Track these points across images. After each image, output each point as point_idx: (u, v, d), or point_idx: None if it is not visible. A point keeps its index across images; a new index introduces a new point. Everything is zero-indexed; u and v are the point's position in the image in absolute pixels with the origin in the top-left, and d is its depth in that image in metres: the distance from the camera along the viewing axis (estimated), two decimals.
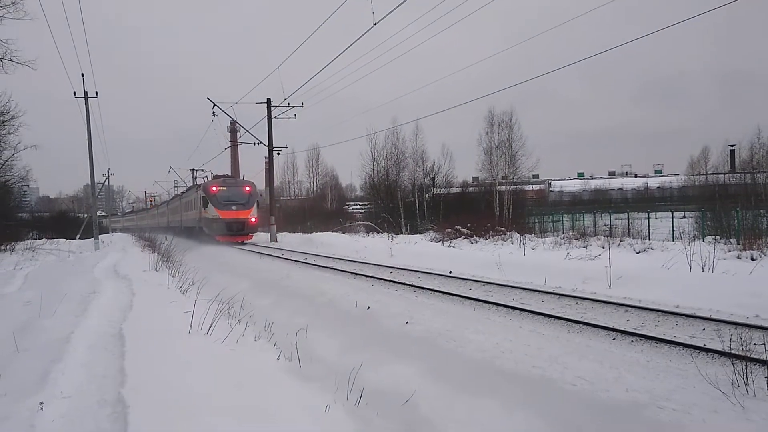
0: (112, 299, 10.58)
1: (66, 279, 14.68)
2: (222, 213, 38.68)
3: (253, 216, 40.21)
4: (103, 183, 70.01)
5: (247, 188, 41.34)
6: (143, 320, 8.40)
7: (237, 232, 39.05)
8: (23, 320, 8.79)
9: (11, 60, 26.68)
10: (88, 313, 8.80)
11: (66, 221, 70.51)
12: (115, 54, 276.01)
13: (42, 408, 4.42)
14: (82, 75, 41.56)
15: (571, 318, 9.63)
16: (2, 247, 31.44)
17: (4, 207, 49.46)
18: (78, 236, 54.04)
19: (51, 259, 26.42)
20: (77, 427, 4.31)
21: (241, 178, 48.69)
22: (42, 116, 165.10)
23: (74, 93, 34.31)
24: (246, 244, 38.02)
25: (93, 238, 37.04)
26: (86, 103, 34.18)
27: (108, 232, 72.32)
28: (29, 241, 40.85)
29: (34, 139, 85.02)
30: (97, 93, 35.07)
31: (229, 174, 48.44)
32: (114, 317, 8.66)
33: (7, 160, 44.07)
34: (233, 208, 39.05)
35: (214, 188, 40.23)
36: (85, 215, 67.88)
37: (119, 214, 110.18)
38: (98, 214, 43.42)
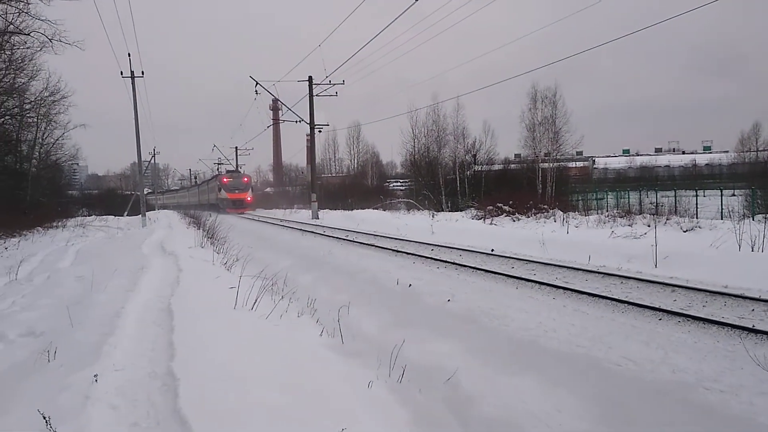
0: (160, 275, 10.86)
1: (115, 255, 15.09)
2: (229, 195, 62.21)
3: (249, 197, 64.34)
4: (149, 161, 71.38)
5: (246, 179, 66.07)
6: (190, 295, 8.60)
7: (238, 207, 61.52)
8: (76, 295, 9.10)
9: (60, 41, 27.32)
10: (137, 288, 9.05)
11: (114, 198, 72.44)
12: (160, 32, 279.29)
13: (96, 380, 4.58)
14: (129, 55, 42.36)
15: (616, 297, 9.49)
16: (54, 224, 32.42)
17: (56, 185, 51.01)
18: (126, 213, 55.39)
19: (100, 236, 27.14)
20: (130, 398, 4.46)
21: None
22: (90, 95, 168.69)
23: (121, 73, 34.96)
24: (246, 214, 56.72)
25: (140, 215, 37.89)
26: (133, 83, 34.77)
27: (154, 210, 74.11)
28: (79, 218, 42.02)
29: (82, 118, 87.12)
30: (143, 72, 35.67)
31: (236, 171, 70.72)
32: (162, 292, 8.89)
33: (57, 139, 45.48)
34: (236, 191, 62.70)
35: (225, 179, 64.15)
36: (133, 193, 69.58)
37: (159, 191, 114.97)
38: (145, 191, 44.39)
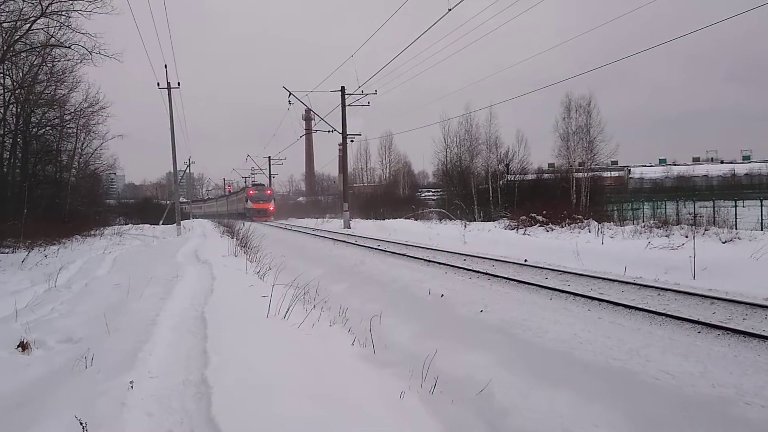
0: (194, 283, 10.99)
1: (151, 263, 15.32)
2: (254, 205, 71.86)
3: (271, 207, 73.80)
4: (185, 171, 72.60)
5: (269, 191, 76.67)
6: (223, 304, 8.68)
7: (262, 215, 70.31)
8: (113, 302, 9.24)
9: (100, 53, 27.90)
10: (172, 297, 9.17)
11: (150, 207, 73.86)
12: (195, 41, 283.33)
13: (132, 387, 4.64)
14: (165, 66, 43.19)
15: (653, 309, 9.30)
16: (92, 232, 33.08)
17: (94, 194, 52.08)
18: (161, 222, 56.27)
19: (137, 244, 27.60)
20: (164, 405, 4.51)
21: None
22: (127, 106, 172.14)
23: (158, 84, 35.62)
24: (268, 222, 64.42)
25: (175, 224, 38.44)
26: (169, 94, 35.41)
27: (189, 218, 75.48)
28: (116, 227, 42.83)
29: (120, 129, 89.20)
30: (179, 83, 36.32)
31: (260, 184, 79.42)
32: (196, 300, 8.99)
33: (96, 149, 46.39)
34: (260, 202, 72.48)
35: (251, 192, 74.30)
36: (168, 202, 70.82)
37: (194, 200, 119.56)
38: (180, 200, 45.13)
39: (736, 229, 21.55)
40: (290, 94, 40.40)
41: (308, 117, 79.75)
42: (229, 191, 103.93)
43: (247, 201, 73.30)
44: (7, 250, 21.06)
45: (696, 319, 8.60)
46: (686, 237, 18.10)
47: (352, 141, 44.60)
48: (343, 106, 41.60)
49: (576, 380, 6.21)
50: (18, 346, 6.66)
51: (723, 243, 17.40)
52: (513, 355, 7.23)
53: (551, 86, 46.12)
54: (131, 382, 4.71)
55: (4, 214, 26.47)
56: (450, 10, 20.61)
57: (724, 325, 8.22)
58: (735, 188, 71.17)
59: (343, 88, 41.36)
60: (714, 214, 25.66)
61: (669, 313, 9.06)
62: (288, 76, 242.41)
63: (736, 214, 25.53)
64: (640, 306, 9.61)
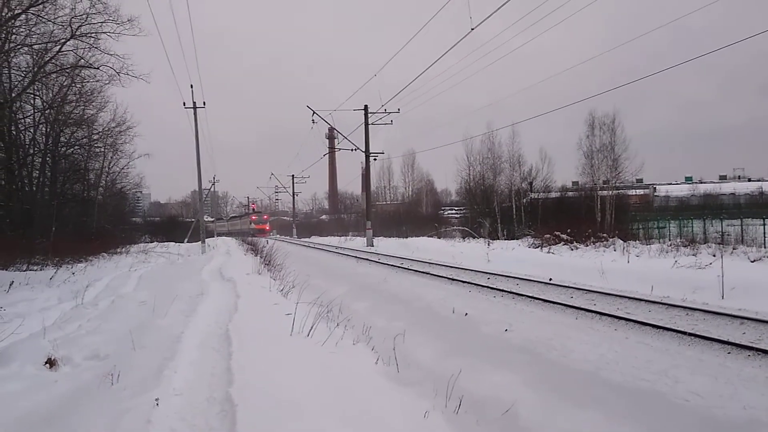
0: (219, 301, 11.04)
1: (176, 281, 15.44)
2: (256, 226, 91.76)
3: (267, 227, 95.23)
4: (209, 189, 73.43)
5: (266, 216, 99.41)
6: (247, 321, 8.70)
7: (261, 233, 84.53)
8: (139, 319, 9.32)
9: (127, 74, 28.49)
10: (196, 314, 9.22)
11: (175, 225, 74.68)
12: (220, 60, 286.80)
13: (157, 404, 4.66)
14: (191, 86, 44.26)
15: (682, 329, 9.14)
16: (118, 250, 33.53)
17: (120, 212, 52.88)
18: (186, 240, 56.83)
19: (162, 262, 27.89)
20: (189, 423, 4.53)
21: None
22: (153, 125, 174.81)
23: (184, 104, 36.18)
24: (271, 237, 76.04)
25: (200, 242, 38.76)
26: (195, 114, 35.92)
27: (213, 236, 76.46)
28: (142, 244, 43.40)
29: (146, 148, 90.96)
30: (204, 103, 36.84)
31: (259, 212, 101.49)
32: (220, 318, 9.03)
33: (123, 168, 47.27)
34: (260, 224, 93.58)
35: (253, 217, 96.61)
36: (193, 220, 71.63)
37: (219, 218, 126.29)
38: (205, 219, 45.59)
39: (765, 247, 21.18)
40: (314, 113, 40.83)
41: (331, 135, 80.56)
42: (254, 209, 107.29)
43: (251, 223, 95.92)
44: (35, 268, 21.43)
45: (725, 339, 8.44)
46: (714, 256, 17.81)
47: (375, 159, 44.85)
48: (366, 124, 41.82)
49: (603, 401, 6.12)
50: (46, 363, 6.73)
51: (752, 262, 17.09)
52: (538, 375, 7.15)
53: (575, 104, 46.05)
54: (156, 400, 4.73)
55: (33, 232, 26.99)
56: (473, 29, 20.73)
57: (754, 345, 8.05)
58: (763, 206, 69.83)
59: (366, 106, 41.62)
60: (742, 232, 25.28)
61: (698, 333, 8.90)
62: (312, 95, 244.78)
63: (765, 233, 25.10)
64: (668, 326, 9.46)
